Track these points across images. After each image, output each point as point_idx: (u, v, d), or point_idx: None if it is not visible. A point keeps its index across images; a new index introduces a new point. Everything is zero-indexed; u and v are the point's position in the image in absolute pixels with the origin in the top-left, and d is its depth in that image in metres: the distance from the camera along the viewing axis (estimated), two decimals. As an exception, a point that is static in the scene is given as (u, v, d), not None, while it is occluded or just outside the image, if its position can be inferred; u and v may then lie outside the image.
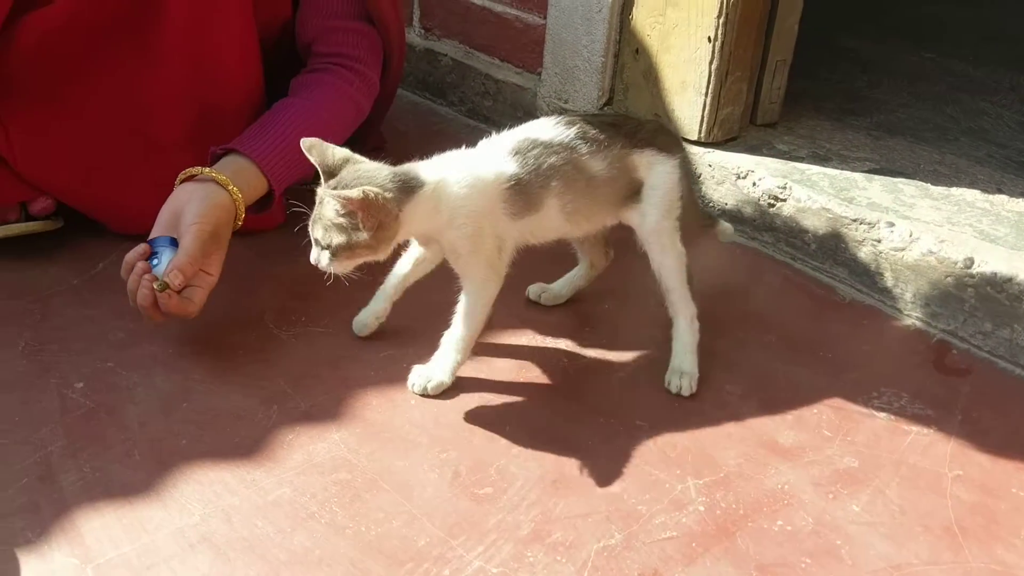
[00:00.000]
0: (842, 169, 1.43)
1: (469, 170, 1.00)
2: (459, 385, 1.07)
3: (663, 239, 1.08)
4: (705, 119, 1.47)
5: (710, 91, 1.45)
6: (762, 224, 1.41)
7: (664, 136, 1.10)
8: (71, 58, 1.18)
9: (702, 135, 1.47)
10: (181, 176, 1.13)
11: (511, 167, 1.01)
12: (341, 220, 0.94)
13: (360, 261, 0.99)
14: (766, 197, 1.39)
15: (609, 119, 1.09)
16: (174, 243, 1.06)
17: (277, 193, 1.20)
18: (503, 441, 1.00)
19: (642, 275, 1.12)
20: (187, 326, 1.11)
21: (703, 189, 1.46)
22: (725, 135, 1.50)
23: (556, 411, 1.05)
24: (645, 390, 1.09)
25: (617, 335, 1.19)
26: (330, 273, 0.98)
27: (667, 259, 1.08)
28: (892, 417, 1.07)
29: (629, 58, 1.55)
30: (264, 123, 1.22)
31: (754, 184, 1.41)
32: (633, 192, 1.07)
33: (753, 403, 1.07)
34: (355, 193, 0.91)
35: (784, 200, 1.38)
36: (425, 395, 1.05)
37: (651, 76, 1.53)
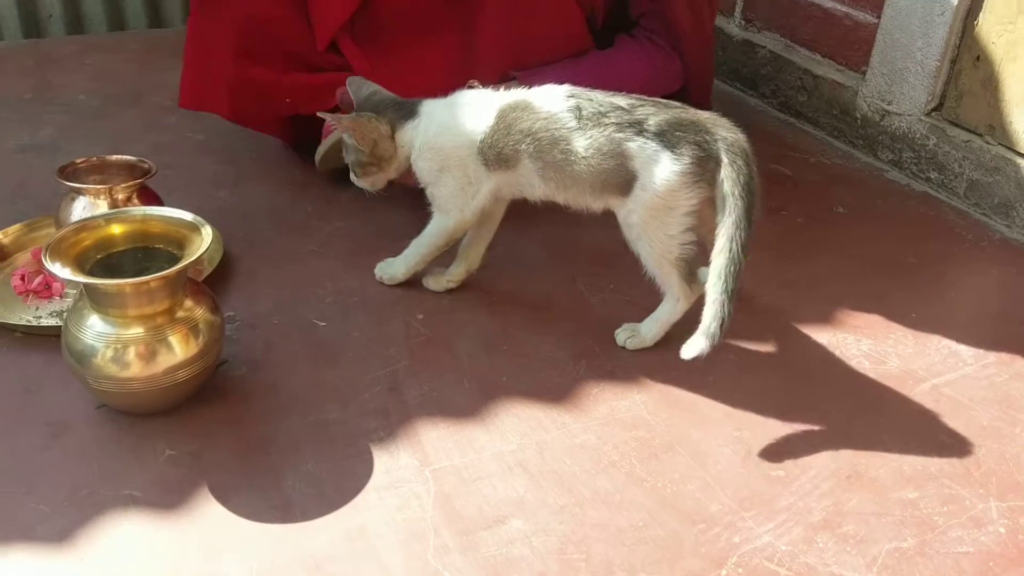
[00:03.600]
0: None
1: (452, 116, 1.11)
2: (757, 369, 1.11)
3: (643, 238, 1.05)
4: (1048, 136, 1.39)
5: (1058, 107, 1.37)
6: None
7: (687, 134, 1.00)
8: (423, 13, 1.36)
9: (1042, 152, 1.40)
10: (469, 83, 1.23)
11: (486, 124, 1.08)
12: (351, 141, 1.13)
13: (375, 177, 1.16)
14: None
15: (624, 103, 1.03)
16: None
17: None
18: (799, 428, 1.02)
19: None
20: (509, 278, 1.23)
21: (1034, 209, 1.39)
22: (1068, 155, 1.41)
23: (855, 410, 1.05)
24: (952, 406, 1.07)
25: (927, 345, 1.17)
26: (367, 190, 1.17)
27: (643, 251, 1.06)
28: None
29: (968, 65, 1.49)
30: (560, 68, 1.37)
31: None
32: (624, 183, 1.03)
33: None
34: (346, 117, 1.11)
35: None
36: (381, 282, 1.21)
37: (990, 85, 1.46)
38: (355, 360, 1.08)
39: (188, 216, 1.00)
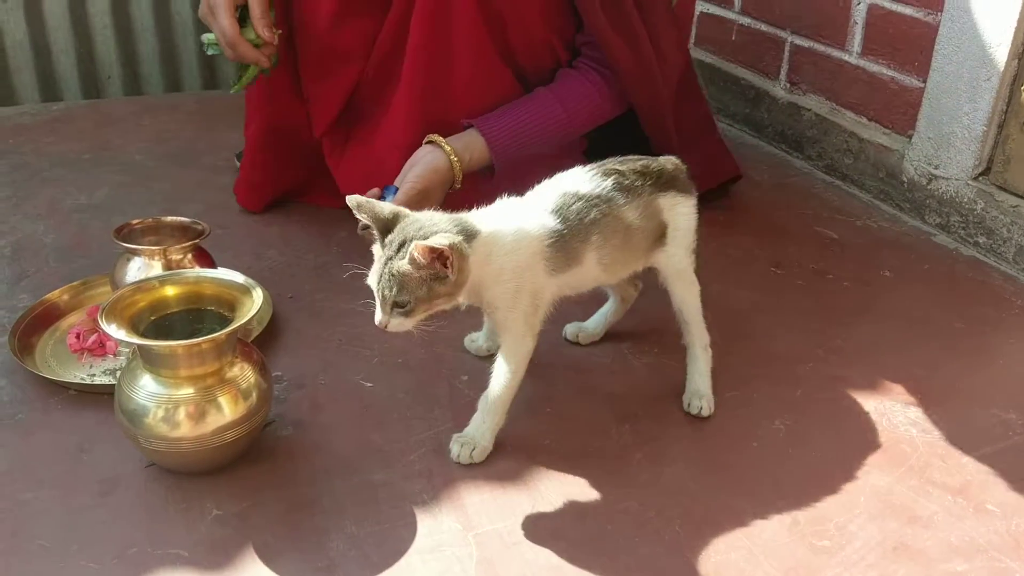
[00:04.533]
0: None
1: (517, 224, 0.99)
2: (803, 436, 1.10)
3: (685, 277, 1.12)
4: (1098, 202, 1.38)
5: (1109, 173, 1.36)
6: None
7: (683, 178, 1.11)
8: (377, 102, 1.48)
9: (1092, 218, 1.38)
10: (427, 138, 1.35)
11: (553, 223, 1.01)
12: (421, 272, 0.92)
13: (435, 311, 0.96)
14: None
15: (637, 165, 1.09)
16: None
17: (496, 163, 1.37)
18: (844, 498, 1.01)
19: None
20: (550, 340, 1.24)
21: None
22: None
23: (901, 479, 1.04)
24: (1001, 476, 1.05)
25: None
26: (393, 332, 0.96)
27: (689, 295, 1.13)
28: None
29: (1015, 130, 1.49)
30: (509, 106, 1.40)
31: None
32: (660, 235, 1.09)
33: None
34: (444, 240, 0.90)
35: None
36: (471, 463, 1.02)
37: (1039, 151, 1.45)
38: (400, 421, 1.09)
39: (239, 278, 1.03)
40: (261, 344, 1.21)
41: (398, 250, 0.93)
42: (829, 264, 1.50)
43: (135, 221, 1.24)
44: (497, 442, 1.06)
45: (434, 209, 1.02)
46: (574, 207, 1.02)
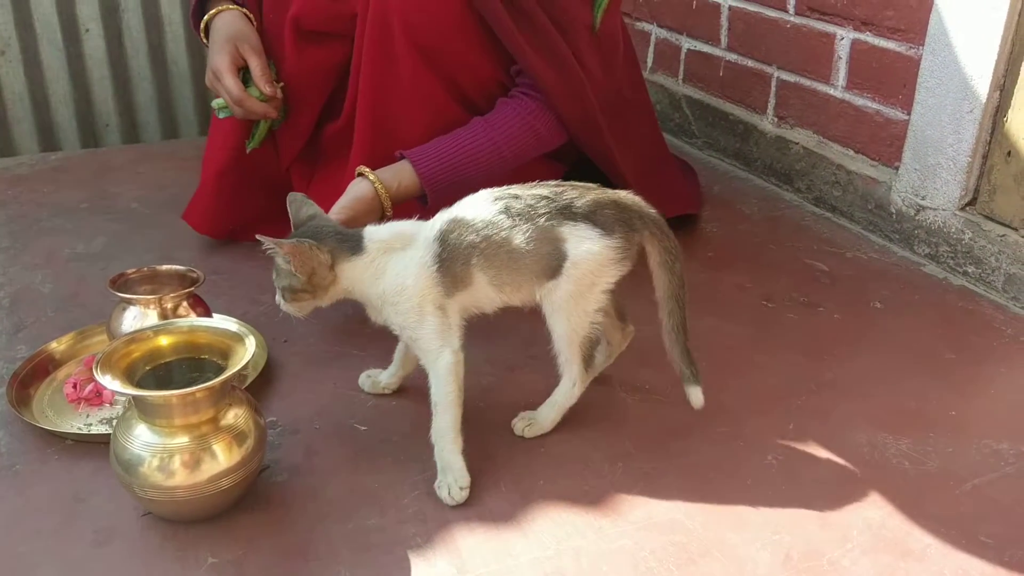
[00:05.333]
0: None
1: (413, 245, 1.08)
2: (795, 470, 1.10)
3: (564, 311, 1.08)
4: (1082, 230, 1.39)
5: (1092, 202, 1.37)
6: None
7: (609, 214, 1.07)
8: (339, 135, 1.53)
9: (1077, 246, 1.40)
10: (357, 170, 1.36)
11: (435, 250, 1.06)
12: (286, 266, 1.06)
13: (305, 304, 1.10)
14: None
15: (547, 191, 1.09)
16: None
17: (428, 191, 1.38)
18: (837, 532, 1.01)
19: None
20: (544, 378, 1.24)
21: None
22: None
23: (895, 512, 1.04)
24: (994, 507, 1.05)
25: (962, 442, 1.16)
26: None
27: (559, 328, 1.10)
28: None
29: (999, 160, 1.51)
30: (444, 136, 1.42)
31: None
32: (558, 265, 1.07)
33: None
34: (286, 242, 1.04)
35: None
36: (463, 501, 1.04)
37: (1023, 180, 1.47)
38: (394, 464, 1.10)
39: (233, 327, 1.04)
40: (256, 389, 1.22)
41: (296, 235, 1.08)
42: (820, 297, 1.51)
43: (130, 271, 1.25)
44: (490, 483, 1.06)
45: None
46: (455, 232, 1.07)
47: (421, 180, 1.38)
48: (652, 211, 1.11)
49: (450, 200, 1.13)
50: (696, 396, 1.12)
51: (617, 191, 1.11)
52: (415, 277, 1.06)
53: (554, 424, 1.16)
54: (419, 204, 1.38)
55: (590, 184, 1.12)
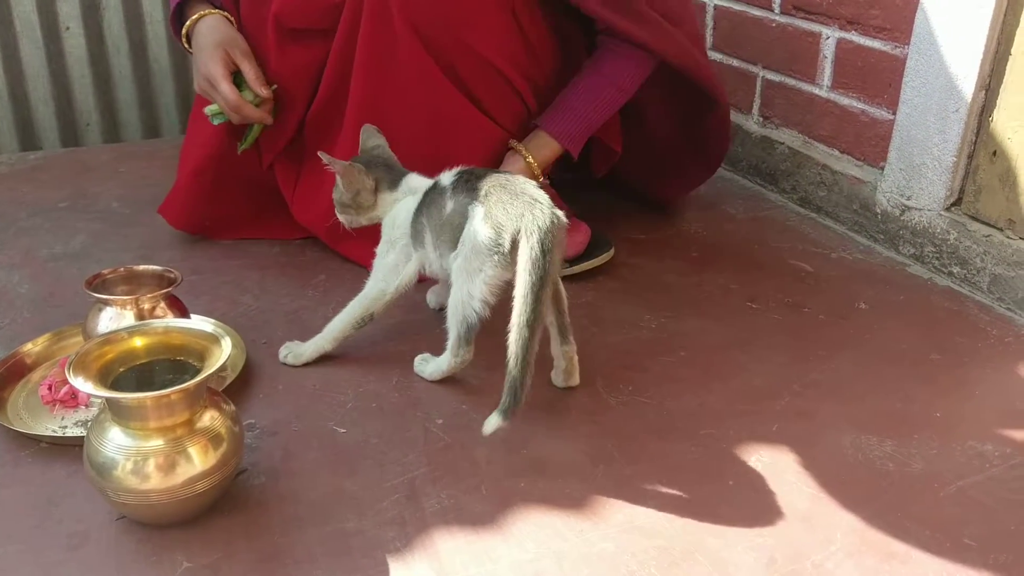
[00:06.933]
0: None
1: (412, 200, 1.24)
2: (778, 472, 1.09)
3: (454, 284, 1.16)
4: (1067, 230, 1.39)
5: (1076, 202, 1.37)
6: None
7: (507, 210, 1.11)
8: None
9: (1062, 247, 1.39)
10: (509, 144, 1.50)
11: (418, 202, 1.22)
12: (340, 182, 1.23)
13: (349, 219, 1.27)
14: None
15: (481, 171, 1.19)
16: None
17: (573, 152, 1.52)
18: (821, 535, 1.00)
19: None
20: (533, 383, 1.23)
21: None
22: (1089, 249, 1.40)
23: (879, 514, 1.03)
24: (979, 509, 1.04)
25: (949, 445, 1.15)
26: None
27: (450, 296, 1.17)
28: None
29: (985, 160, 1.51)
30: (560, 100, 1.52)
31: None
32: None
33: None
34: (341, 163, 1.20)
35: None
36: (286, 363, 1.28)
37: (1008, 180, 1.47)
38: (374, 467, 1.09)
39: (208, 328, 1.02)
40: (234, 391, 1.20)
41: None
42: (804, 297, 1.51)
43: (107, 271, 1.23)
44: (471, 486, 1.05)
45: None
46: (429, 194, 1.21)
47: (561, 143, 1.50)
48: (543, 215, 1.09)
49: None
50: (490, 425, 1.07)
51: (527, 184, 1.15)
52: (402, 218, 1.23)
53: (432, 378, 1.25)
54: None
55: (519, 178, 1.17)
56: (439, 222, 1.18)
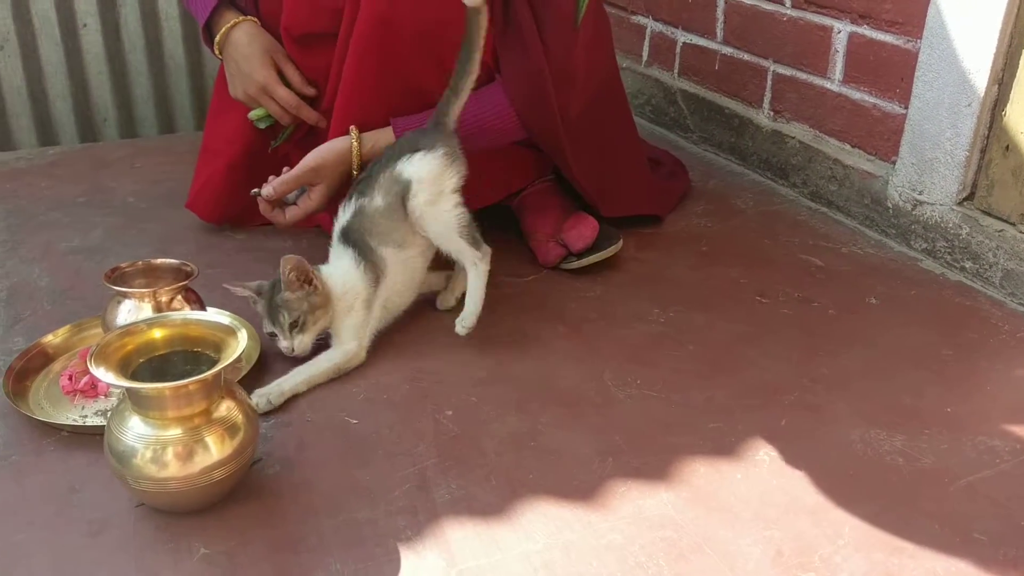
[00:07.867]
0: None
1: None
2: (787, 466, 1.10)
3: (427, 218, 1.27)
4: (1079, 226, 1.39)
5: (1088, 197, 1.37)
6: None
7: (430, 139, 1.29)
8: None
9: (1073, 242, 1.39)
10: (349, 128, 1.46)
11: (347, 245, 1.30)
12: (297, 292, 1.21)
13: (322, 323, 1.25)
14: None
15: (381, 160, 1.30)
16: None
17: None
18: (829, 529, 1.01)
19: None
20: (536, 372, 1.25)
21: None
22: (1100, 244, 1.40)
23: (888, 509, 1.04)
24: (989, 505, 1.05)
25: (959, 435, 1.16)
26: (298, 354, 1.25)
27: (432, 231, 1.29)
28: None
29: (998, 154, 1.50)
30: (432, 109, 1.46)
31: None
32: (408, 191, 1.27)
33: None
34: (290, 256, 1.19)
35: None
36: (258, 411, 1.16)
37: (1021, 175, 1.47)
38: (385, 458, 1.10)
39: (225, 320, 1.04)
40: (249, 382, 1.22)
41: (272, 292, 1.23)
42: (815, 292, 1.51)
43: (125, 264, 1.25)
44: (480, 477, 1.07)
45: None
46: (355, 225, 1.32)
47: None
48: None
49: None
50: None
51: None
52: (348, 276, 1.30)
53: (479, 313, 1.28)
54: None
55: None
56: (375, 228, 1.27)
